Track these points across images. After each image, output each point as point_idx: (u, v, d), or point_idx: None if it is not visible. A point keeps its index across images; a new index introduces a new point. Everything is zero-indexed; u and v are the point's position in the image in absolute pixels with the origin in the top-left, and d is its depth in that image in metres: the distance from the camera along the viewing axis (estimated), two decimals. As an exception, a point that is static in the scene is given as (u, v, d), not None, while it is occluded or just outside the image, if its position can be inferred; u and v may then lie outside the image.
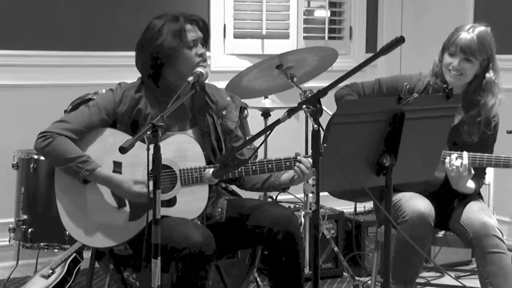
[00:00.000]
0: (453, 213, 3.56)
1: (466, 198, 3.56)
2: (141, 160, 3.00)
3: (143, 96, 3.20)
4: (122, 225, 3.11)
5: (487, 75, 3.50)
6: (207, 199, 3.16)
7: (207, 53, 3.24)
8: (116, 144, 2.78)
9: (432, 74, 3.57)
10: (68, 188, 3.15)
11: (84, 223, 3.14)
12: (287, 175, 3.24)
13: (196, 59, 3.18)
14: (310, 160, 3.11)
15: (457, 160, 3.38)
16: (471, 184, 3.51)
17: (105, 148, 3.13)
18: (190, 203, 3.14)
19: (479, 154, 3.43)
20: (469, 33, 3.43)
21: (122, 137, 3.02)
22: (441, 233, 3.55)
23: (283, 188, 3.28)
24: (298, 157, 3.13)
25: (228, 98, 3.36)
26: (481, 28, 3.47)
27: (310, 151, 3.14)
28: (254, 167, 3.14)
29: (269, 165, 3.14)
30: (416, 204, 3.41)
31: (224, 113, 3.31)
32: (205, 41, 3.25)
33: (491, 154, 3.44)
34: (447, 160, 3.40)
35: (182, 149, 3.15)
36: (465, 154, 3.39)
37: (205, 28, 3.25)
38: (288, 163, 3.14)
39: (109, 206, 3.12)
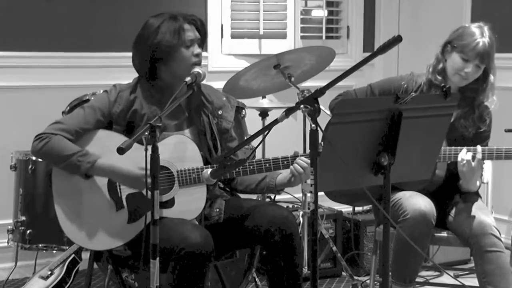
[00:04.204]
0: (451, 211, 3.56)
1: (465, 195, 3.57)
2: (138, 161, 3.00)
3: (138, 96, 3.20)
4: (121, 227, 3.10)
5: (489, 78, 3.49)
6: (205, 199, 3.16)
7: (204, 53, 3.24)
8: (112, 146, 2.78)
9: (433, 70, 3.54)
10: (66, 192, 3.14)
11: (83, 227, 3.13)
12: (283, 176, 3.23)
13: (192, 59, 3.18)
14: (308, 160, 3.11)
15: (468, 154, 3.37)
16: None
17: (101, 150, 3.12)
18: (188, 203, 3.14)
19: (479, 147, 3.43)
20: (484, 38, 3.40)
21: (118, 139, 3.01)
22: (439, 232, 3.55)
23: (279, 190, 3.28)
24: (297, 158, 3.13)
25: (224, 98, 3.36)
26: (487, 29, 3.45)
27: (308, 151, 3.15)
28: (251, 167, 3.13)
29: (267, 164, 3.14)
30: (417, 202, 3.41)
31: (219, 112, 3.31)
32: (202, 42, 3.26)
33: (492, 147, 3.44)
34: (460, 154, 3.39)
35: (179, 149, 3.15)
36: (478, 148, 3.38)
37: (202, 29, 3.25)
38: (285, 162, 3.14)
39: (107, 209, 3.11)
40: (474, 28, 3.45)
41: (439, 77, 3.52)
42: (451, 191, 3.59)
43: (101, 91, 3.32)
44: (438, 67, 3.53)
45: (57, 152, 3.08)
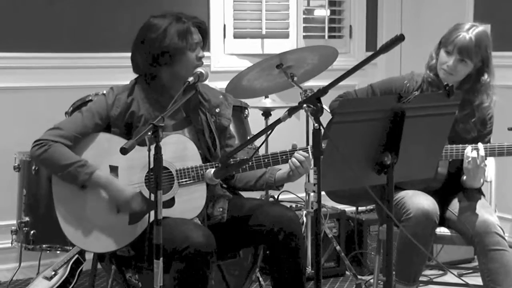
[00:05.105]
0: (452, 209, 3.56)
1: (468, 193, 3.57)
2: (137, 162, 3.01)
3: (135, 98, 3.20)
4: (122, 229, 3.10)
5: (482, 77, 3.49)
6: (205, 197, 3.16)
7: (207, 53, 3.25)
8: (112, 148, 2.77)
9: (427, 67, 3.57)
10: (66, 196, 3.14)
11: (84, 230, 3.13)
12: (282, 172, 3.24)
13: (196, 62, 3.19)
14: (305, 154, 3.11)
15: (473, 152, 3.38)
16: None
17: (100, 153, 3.13)
18: (188, 202, 3.14)
19: (481, 145, 3.43)
20: (468, 34, 3.40)
21: (117, 141, 3.03)
22: (442, 231, 3.55)
23: (278, 186, 3.28)
24: (295, 152, 3.13)
25: (221, 97, 3.37)
26: (480, 29, 3.44)
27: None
28: (250, 163, 3.14)
29: (266, 160, 3.14)
30: (420, 201, 3.41)
31: (217, 110, 3.31)
32: (204, 44, 3.26)
33: (494, 143, 3.43)
34: (466, 151, 3.39)
35: (178, 149, 3.15)
36: (480, 145, 3.39)
37: (205, 31, 3.26)
38: (284, 156, 3.14)
39: (108, 211, 3.11)
40: (466, 24, 3.46)
41: (431, 74, 3.54)
42: (453, 189, 3.59)
43: (101, 93, 3.32)
44: (430, 63, 3.56)
45: (56, 160, 3.08)
